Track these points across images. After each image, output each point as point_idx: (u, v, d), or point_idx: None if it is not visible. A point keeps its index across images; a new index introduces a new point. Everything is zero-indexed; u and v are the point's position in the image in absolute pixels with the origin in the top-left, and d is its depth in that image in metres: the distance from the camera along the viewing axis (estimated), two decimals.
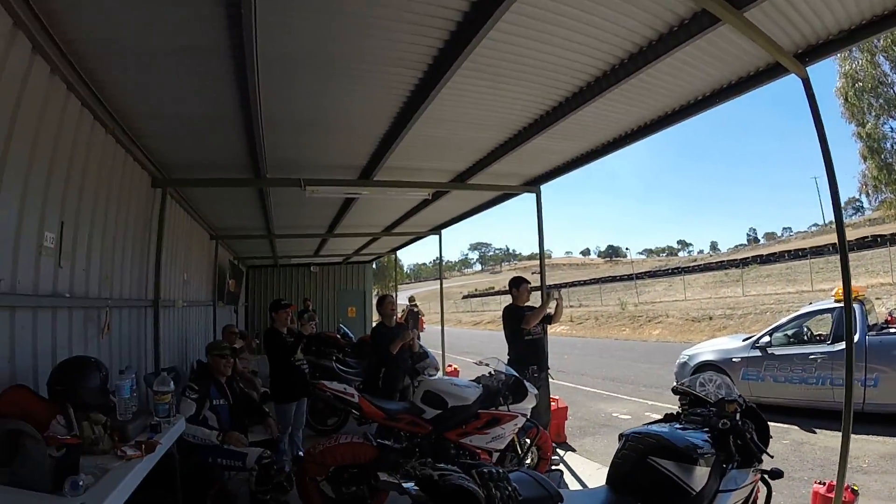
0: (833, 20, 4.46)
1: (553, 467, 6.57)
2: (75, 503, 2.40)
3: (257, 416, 5.84)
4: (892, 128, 20.79)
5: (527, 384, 5.63)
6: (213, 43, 4.00)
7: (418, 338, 13.61)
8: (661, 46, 4.55)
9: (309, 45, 4.21)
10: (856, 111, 20.77)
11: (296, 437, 6.81)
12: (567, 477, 6.60)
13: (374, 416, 5.37)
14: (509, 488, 2.44)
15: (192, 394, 5.07)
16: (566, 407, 8.54)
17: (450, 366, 12.97)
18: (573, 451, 7.85)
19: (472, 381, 5.76)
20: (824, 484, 4.78)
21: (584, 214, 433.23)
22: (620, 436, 3.46)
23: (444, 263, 16.08)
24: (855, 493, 4.70)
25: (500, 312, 7.31)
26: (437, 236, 14.29)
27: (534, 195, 8.88)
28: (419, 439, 5.26)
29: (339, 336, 12.42)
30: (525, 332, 6.78)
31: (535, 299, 7.63)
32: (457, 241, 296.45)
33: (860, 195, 24.81)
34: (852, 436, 4.60)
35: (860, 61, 20.32)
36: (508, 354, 6.85)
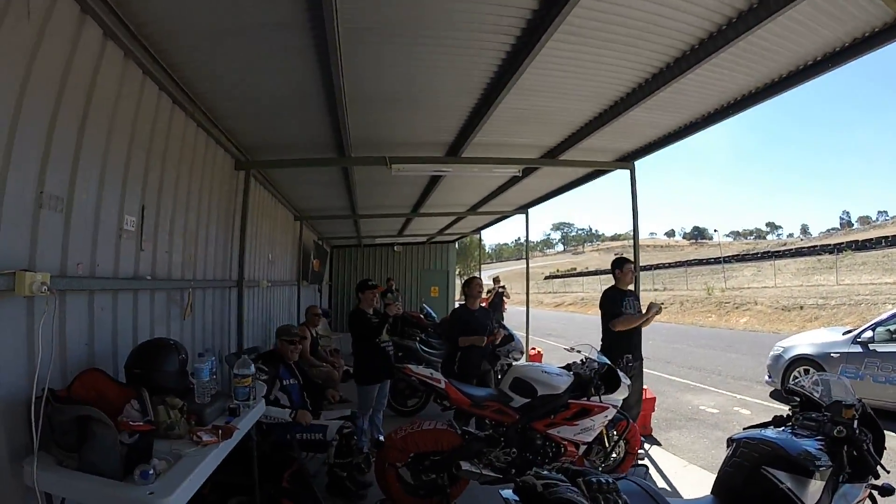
0: None
1: (639, 461, 6.28)
2: (144, 493, 2.34)
3: (321, 395, 5.89)
4: None
5: (620, 374, 5.33)
6: (291, 16, 3.88)
7: (502, 318, 13.46)
8: (774, 3, 4.08)
9: (392, 12, 4.02)
10: None
11: (376, 419, 6.72)
12: (652, 473, 6.27)
13: (460, 402, 5.19)
14: (619, 502, 2.23)
15: (262, 375, 5.11)
16: (654, 398, 8.13)
17: (533, 349, 12.70)
18: (658, 444, 7.48)
19: (562, 367, 5.50)
20: None
21: (668, 193, 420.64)
22: (730, 440, 3.18)
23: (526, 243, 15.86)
24: None
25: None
26: (524, 216, 13.98)
27: (627, 172, 8.44)
28: (504, 428, 5.06)
29: (422, 316, 12.33)
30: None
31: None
32: (539, 221, 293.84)
33: None
34: None
35: None
36: (602, 340, 6.56)
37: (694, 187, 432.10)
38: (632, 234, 8.67)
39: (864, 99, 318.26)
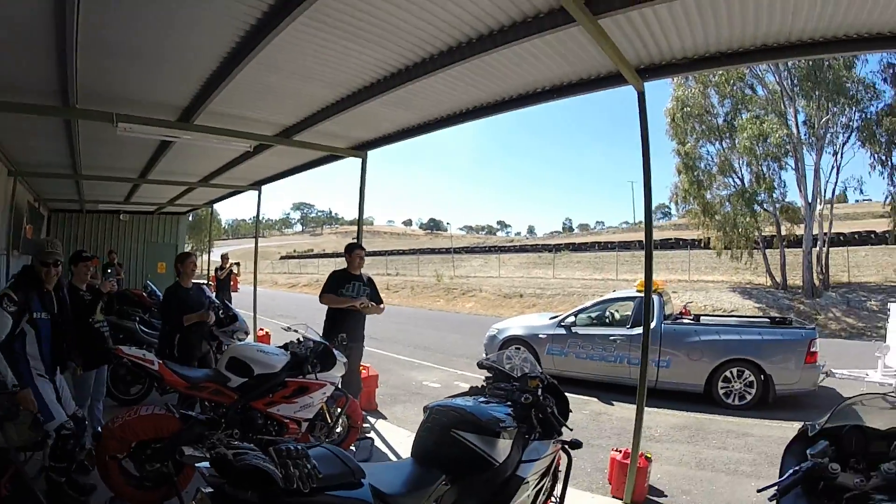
0: (679, 46, 4.98)
1: (365, 435, 6.72)
2: None
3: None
4: (707, 151, 25.14)
5: (335, 352, 5.63)
6: None
7: (230, 300, 13.27)
8: (511, 33, 4.78)
9: None
10: (679, 131, 24.64)
11: (95, 409, 6.22)
12: (378, 444, 6.80)
13: (176, 384, 5.10)
14: (308, 466, 2.43)
15: (10, 305, 4.42)
16: (377, 375, 8.83)
17: (261, 330, 12.81)
18: (384, 418, 8.13)
19: (280, 347, 5.67)
20: (621, 451, 5.52)
21: (409, 185, 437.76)
22: (425, 408, 3.59)
23: (264, 221, 15.68)
24: (648, 459, 5.45)
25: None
26: (257, 192, 14.01)
27: (359, 161, 8.93)
28: (224, 409, 5.07)
29: (145, 294, 11.41)
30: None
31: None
32: (280, 200, 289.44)
33: (669, 203, 29.38)
34: (646, 409, 5.31)
35: (693, 89, 24.03)
36: (325, 321, 6.91)
37: (435, 183, 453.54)
38: (370, 218, 9.10)
39: (594, 127, 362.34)
